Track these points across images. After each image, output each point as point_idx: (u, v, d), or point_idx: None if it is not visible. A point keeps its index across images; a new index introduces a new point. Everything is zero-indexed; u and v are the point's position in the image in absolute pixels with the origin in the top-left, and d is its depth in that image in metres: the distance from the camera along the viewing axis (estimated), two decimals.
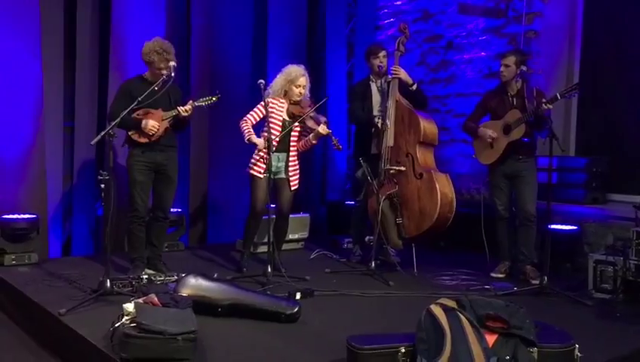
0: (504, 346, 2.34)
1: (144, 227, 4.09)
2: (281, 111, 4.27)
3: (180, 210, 5.28)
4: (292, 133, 4.27)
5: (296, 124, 4.23)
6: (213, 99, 4.13)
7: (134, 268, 4.04)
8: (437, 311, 2.44)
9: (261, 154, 4.21)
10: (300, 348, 2.86)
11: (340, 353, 2.56)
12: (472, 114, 4.58)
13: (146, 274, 3.90)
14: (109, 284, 3.46)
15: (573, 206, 5.04)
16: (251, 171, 4.27)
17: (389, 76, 4.58)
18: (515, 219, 4.38)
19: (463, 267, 4.57)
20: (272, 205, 4.19)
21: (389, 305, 3.64)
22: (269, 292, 3.58)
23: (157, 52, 3.88)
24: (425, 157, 4.46)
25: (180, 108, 3.97)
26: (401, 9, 6.72)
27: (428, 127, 4.46)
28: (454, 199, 4.38)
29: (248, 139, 4.18)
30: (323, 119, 4.24)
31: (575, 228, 4.52)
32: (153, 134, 3.94)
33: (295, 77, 4.26)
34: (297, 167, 4.38)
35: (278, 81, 4.31)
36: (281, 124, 4.24)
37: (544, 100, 3.97)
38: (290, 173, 4.31)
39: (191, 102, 4.04)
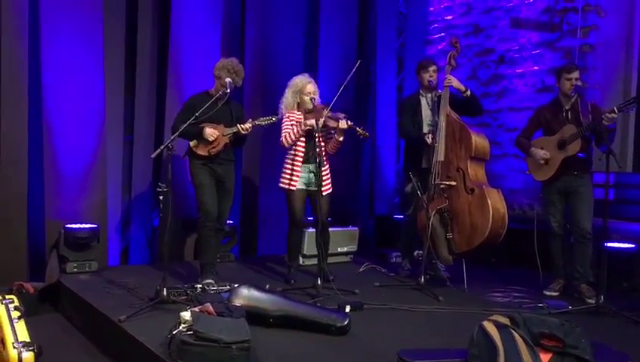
0: None
1: (215, 232, 4.21)
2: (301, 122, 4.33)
3: (231, 221, 5.40)
4: (317, 141, 4.31)
5: (317, 131, 4.18)
6: (273, 119, 4.25)
7: (204, 274, 4.15)
8: (489, 327, 2.43)
9: (289, 167, 4.30)
10: (351, 360, 2.89)
11: None
12: (525, 129, 4.52)
13: (200, 283, 4.01)
14: (165, 293, 3.58)
15: (631, 223, 4.89)
16: (282, 186, 4.35)
17: (440, 91, 4.59)
18: (570, 236, 4.29)
19: (514, 284, 4.50)
20: (310, 218, 4.25)
21: (439, 321, 3.62)
22: (319, 305, 3.63)
23: (227, 69, 4.06)
24: (476, 172, 4.43)
25: (240, 127, 4.12)
26: (451, 23, 6.72)
27: (479, 141, 4.43)
28: (506, 214, 4.32)
29: (304, 124, 4.22)
30: (342, 115, 4.26)
31: (633, 246, 4.38)
32: (214, 146, 4.09)
33: (302, 86, 4.34)
34: (328, 172, 4.41)
35: (288, 95, 4.40)
36: (305, 134, 4.30)
37: (608, 110, 3.90)
38: (322, 181, 4.35)
39: (251, 120, 4.18)
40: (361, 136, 4.21)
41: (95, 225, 4.68)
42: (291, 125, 4.31)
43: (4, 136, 4.47)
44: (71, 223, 4.63)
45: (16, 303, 3.35)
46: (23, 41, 4.51)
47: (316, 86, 4.38)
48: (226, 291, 3.81)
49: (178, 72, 5.24)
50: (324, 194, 4.31)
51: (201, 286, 3.93)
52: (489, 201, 4.23)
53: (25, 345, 3.03)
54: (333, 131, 4.30)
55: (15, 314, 3.25)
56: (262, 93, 5.66)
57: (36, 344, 3.06)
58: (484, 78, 6.39)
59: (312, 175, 4.27)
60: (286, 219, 5.62)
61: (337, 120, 4.19)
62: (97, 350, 3.49)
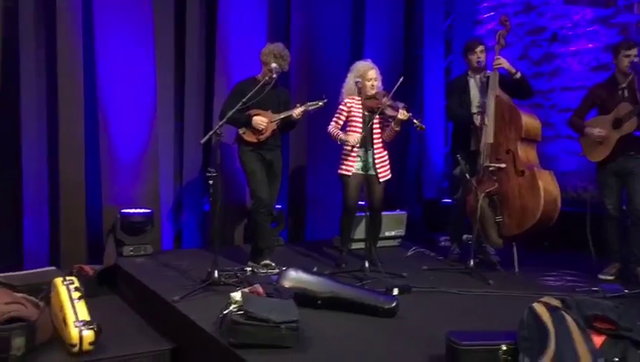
0: (612, 348, 2.25)
1: (269, 216, 4.29)
2: (360, 109, 4.32)
3: (279, 206, 5.47)
4: (374, 127, 4.31)
5: (376, 117, 4.23)
6: (320, 103, 4.28)
7: (262, 257, 4.23)
8: (540, 309, 2.39)
9: (345, 152, 4.31)
10: (399, 342, 2.90)
11: (439, 348, 2.57)
12: (579, 108, 4.38)
13: (249, 266, 4.10)
14: (216, 275, 3.68)
15: None
16: (340, 171, 4.37)
17: (488, 71, 4.49)
18: (626, 219, 4.15)
19: (567, 268, 4.39)
20: (362, 202, 4.28)
21: (489, 304, 3.58)
22: (366, 287, 3.65)
23: (274, 55, 4.10)
24: (527, 153, 4.33)
25: (294, 112, 4.15)
26: (501, 2, 6.54)
27: (530, 122, 4.32)
28: (559, 197, 4.22)
29: (340, 139, 4.29)
30: (401, 105, 4.22)
31: None
32: (262, 132, 4.16)
33: (364, 72, 4.31)
34: (385, 158, 4.41)
35: (349, 79, 4.39)
36: (361, 120, 4.30)
37: None
38: (377, 167, 4.35)
39: (300, 105, 4.21)
40: (418, 129, 4.17)
41: (149, 210, 4.84)
42: (342, 117, 4.32)
43: (63, 128, 4.66)
44: (126, 208, 4.80)
45: (77, 284, 3.51)
46: (77, 38, 4.67)
47: (378, 72, 4.37)
48: (275, 274, 3.88)
49: (225, 59, 5.32)
50: (381, 180, 4.33)
51: (251, 268, 4.01)
52: (540, 183, 4.13)
53: (85, 323, 3.18)
54: (390, 119, 4.29)
55: (76, 294, 3.41)
56: (308, 79, 5.68)
57: (96, 323, 3.21)
58: (535, 57, 6.20)
59: (369, 159, 4.27)
60: (333, 203, 5.69)
61: (396, 109, 4.18)
62: (152, 329, 3.61)
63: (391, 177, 4.47)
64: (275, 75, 4.08)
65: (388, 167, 4.43)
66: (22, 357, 3.00)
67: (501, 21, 4.51)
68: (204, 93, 5.40)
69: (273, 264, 4.20)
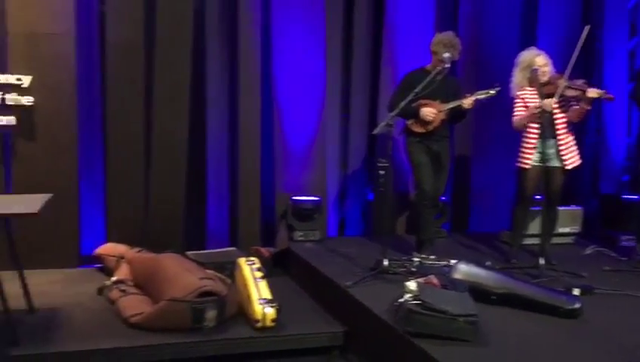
0: None
1: (432, 209, 4.29)
2: (536, 99, 4.06)
3: (443, 198, 5.39)
4: (554, 114, 4.03)
5: (555, 101, 3.94)
6: (492, 92, 4.14)
7: (423, 249, 4.25)
8: None
9: (523, 143, 4.11)
10: (586, 347, 2.73)
11: (633, 358, 2.38)
12: None
13: (417, 257, 4.11)
14: (386, 263, 3.75)
15: None
16: (518, 164, 4.18)
17: None
18: None
19: None
20: (538, 196, 4.06)
21: None
22: (544, 286, 3.47)
23: (444, 44, 4.06)
24: None
25: (463, 102, 4.08)
26: None
27: None
28: None
29: (531, 114, 4.04)
30: (580, 82, 3.93)
31: None
32: (430, 123, 4.14)
33: (531, 60, 4.09)
34: (571, 144, 4.14)
35: (516, 73, 4.20)
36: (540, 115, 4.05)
37: None
38: (563, 154, 4.09)
39: (470, 95, 4.12)
40: (608, 100, 3.95)
41: (318, 198, 5.05)
42: (522, 108, 4.16)
43: (242, 120, 5.01)
44: (297, 196, 5.05)
45: (258, 264, 3.79)
46: (256, 35, 4.98)
47: (547, 57, 4.13)
48: (443, 266, 3.85)
49: (392, 50, 5.34)
50: (569, 167, 4.10)
51: (419, 259, 4.01)
52: None
53: (267, 301, 3.42)
54: (573, 101, 4.04)
55: (258, 274, 3.69)
56: (476, 67, 5.51)
57: (277, 301, 3.44)
58: None
59: (549, 150, 4.06)
60: (499, 196, 5.49)
61: (581, 89, 3.93)
62: (324, 310, 3.78)
63: (581, 162, 4.21)
64: (448, 65, 4.02)
65: (576, 152, 4.15)
66: (213, 329, 3.31)
67: None
68: (369, 85, 5.48)
69: (433, 256, 4.16)
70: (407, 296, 2.88)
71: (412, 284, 2.93)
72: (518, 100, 4.19)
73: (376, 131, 3.91)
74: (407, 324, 2.77)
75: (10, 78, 4.33)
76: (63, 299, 3.81)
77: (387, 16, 5.33)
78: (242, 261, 3.81)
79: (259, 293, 3.48)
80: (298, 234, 4.94)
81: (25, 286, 3.49)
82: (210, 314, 3.31)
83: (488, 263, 3.71)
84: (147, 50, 4.74)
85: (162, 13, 4.72)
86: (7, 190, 4.40)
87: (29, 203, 3.20)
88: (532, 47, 4.30)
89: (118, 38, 4.66)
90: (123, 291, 3.74)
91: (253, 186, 5.08)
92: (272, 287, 3.57)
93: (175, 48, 4.78)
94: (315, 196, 5.10)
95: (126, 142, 4.75)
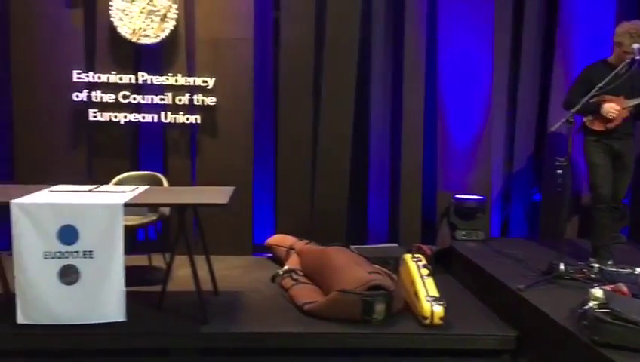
0: None
1: (609, 214, 4.01)
2: None
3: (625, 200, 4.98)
4: None
5: None
6: None
7: (599, 257, 3.98)
8: None
9: None
10: None
11: None
12: None
13: (595, 262, 3.84)
14: (562, 268, 3.55)
15: None
16: None
17: None
18: None
19: None
20: None
21: None
22: None
23: (630, 34, 3.74)
24: None
25: None
26: None
27: None
28: None
29: None
30: None
31: None
32: (612, 120, 3.84)
33: None
34: None
35: None
36: None
37: None
38: None
39: None
40: None
41: (482, 197, 4.93)
42: None
43: (405, 118, 5.03)
44: (459, 194, 4.97)
45: (424, 262, 3.80)
46: (422, 32, 4.98)
47: None
48: (627, 273, 3.55)
49: (567, 41, 5.03)
50: None
51: (597, 266, 3.75)
52: None
53: (435, 299, 3.42)
54: None
55: (424, 271, 3.70)
56: None
57: (444, 299, 3.43)
58: None
59: None
60: None
61: None
62: (492, 311, 3.68)
63: None
64: (638, 57, 3.69)
65: None
66: (382, 322, 3.38)
67: None
68: (539, 79, 5.22)
69: (610, 262, 3.85)
70: (593, 303, 2.72)
71: (598, 291, 2.76)
72: None
73: (554, 128, 3.72)
74: (594, 333, 2.61)
75: (197, 81, 4.78)
76: (241, 283, 4.13)
77: (561, 12, 5.03)
78: (408, 257, 3.85)
79: (426, 290, 3.50)
80: (460, 234, 4.86)
81: (211, 271, 3.84)
82: (379, 307, 3.38)
83: None
84: (317, 51, 4.95)
85: (332, 15, 4.90)
86: (193, 182, 4.87)
87: (217, 194, 3.53)
88: None
89: (290, 41, 4.92)
90: (295, 280, 3.96)
91: (415, 184, 5.09)
92: (437, 285, 3.57)
93: (343, 49, 4.94)
94: (478, 195, 4.97)
95: (295, 141, 5.00)
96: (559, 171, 3.58)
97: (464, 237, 4.85)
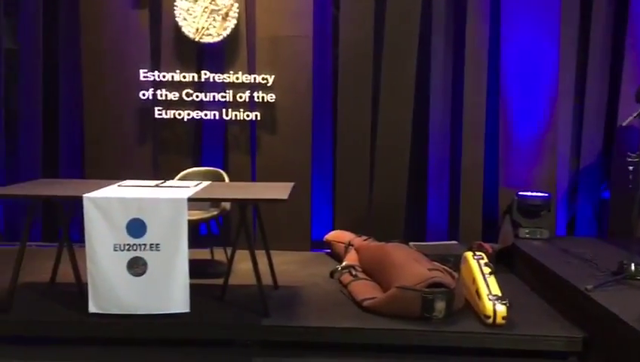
0: None
1: None
2: None
3: None
4: None
5: None
6: None
7: None
8: None
9: None
10: None
11: None
12: None
13: None
14: (633, 268, 3.40)
15: None
16: None
17: None
18: None
19: None
20: None
21: None
22: None
23: None
24: None
25: None
26: None
27: None
28: None
29: None
30: None
31: None
32: None
33: None
34: None
35: None
36: None
37: None
38: None
39: None
40: None
41: (547, 194, 4.77)
42: None
43: (466, 113, 4.94)
44: (522, 191, 4.83)
45: (486, 260, 3.72)
46: (485, 25, 4.87)
47: None
48: None
49: (638, 32, 4.79)
50: None
51: None
52: None
53: (498, 298, 3.34)
54: None
55: (486, 269, 3.62)
56: None
57: (508, 299, 3.34)
58: None
59: None
60: None
61: None
62: (556, 312, 3.57)
63: None
64: None
65: None
66: (442, 319, 3.34)
67: None
68: (608, 73, 5.00)
69: None
70: None
71: None
72: None
73: (625, 123, 3.57)
74: None
75: (257, 78, 4.85)
76: (300, 278, 4.17)
77: (632, 3, 4.79)
78: (469, 255, 3.78)
79: (488, 289, 3.42)
80: (524, 232, 4.72)
81: (271, 265, 3.90)
82: (440, 305, 3.34)
83: None
84: (376, 49, 4.92)
85: (391, 13, 4.87)
86: (253, 178, 4.96)
87: (277, 190, 3.57)
88: None
89: (349, 39, 4.92)
90: (354, 276, 3.97)
91: (475, 180, 4.99)
92: (499, 284, 3.49)
93: (402, 47, 4.90)
94: (543, 192, 4.82)
95: (353, 137, 5.00)
96: (630, 167, 3.44)
97: (528, 236, 4.70)
